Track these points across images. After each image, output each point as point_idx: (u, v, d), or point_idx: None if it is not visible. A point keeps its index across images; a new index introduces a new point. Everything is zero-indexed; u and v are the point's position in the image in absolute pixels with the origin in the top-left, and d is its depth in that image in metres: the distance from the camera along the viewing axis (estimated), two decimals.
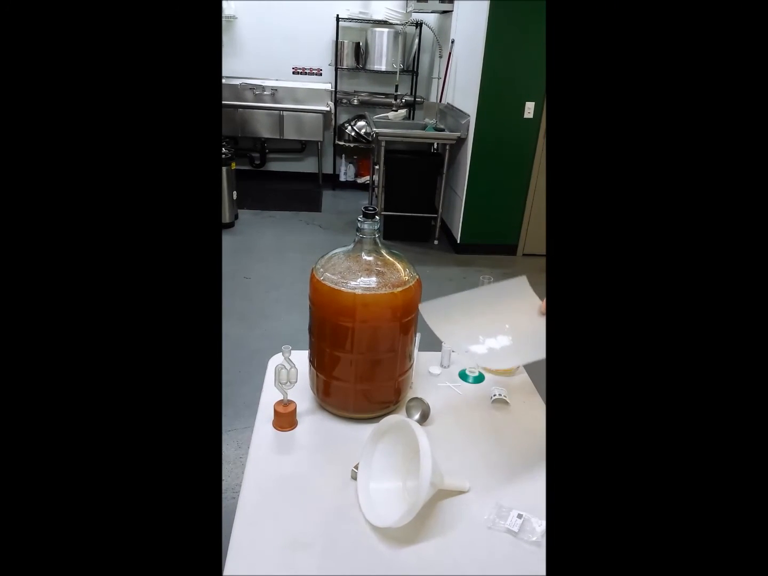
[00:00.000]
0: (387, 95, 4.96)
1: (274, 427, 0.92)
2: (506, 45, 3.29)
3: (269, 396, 0.97)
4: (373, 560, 0.70)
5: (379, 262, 0.89)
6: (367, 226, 0.86)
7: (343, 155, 5.22)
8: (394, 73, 4.53)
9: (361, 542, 0.72)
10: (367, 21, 4.65)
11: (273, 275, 3.31)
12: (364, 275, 0.86)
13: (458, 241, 3.84)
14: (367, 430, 0.83)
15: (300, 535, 0.72)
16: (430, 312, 0.86)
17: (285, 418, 0.91)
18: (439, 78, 4.36)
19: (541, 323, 0.89)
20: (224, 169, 3.83)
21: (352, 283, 0.85)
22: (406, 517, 0.69)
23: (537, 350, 0.83)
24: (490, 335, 0.86)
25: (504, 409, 1.02)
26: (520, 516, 0.75)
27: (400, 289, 0.86)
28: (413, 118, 4.95)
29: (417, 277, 0.90)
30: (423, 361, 1.13)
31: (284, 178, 5.27)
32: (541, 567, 0.69)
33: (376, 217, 0.87)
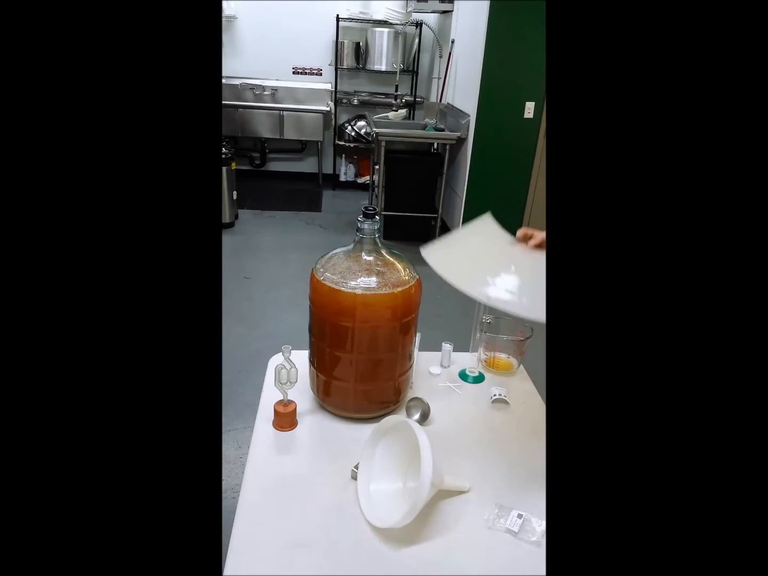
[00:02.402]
0: (387, 95, 4.96)
1: (274, 427, 0.92)
2: (506, 45, 3.28)
3: (269, 396, 0.97)
4: (373, 560, 0.70)
5: (379, 262, 0.89)
6: (367, 226, 0.86)
7: (343, 155, 5.22)
8: (394, 73, 4.53)
9: (361, 542, 0.72)
10: (367, 21, 4.65)
11: (273, 275, 3.30)
12: (364, 275, 0.86)
13: None
14: (367, 430, 0.83)
15: (300, 535, 0.72)
16: (434, 255, 0.81)
17: (285, 418, 0.91)
18: (439, 78, 4.36)
19: (526, 255, 0.84)
20: (224, 169, 3.83)
21: (352, 283, 0.85)
22: (406, 517, 0.69)
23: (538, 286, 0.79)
24: (496, 274, 0.79)
25: (504, 409, 1.02)
26: (520, 516, 0.75)
27: (400, 289, 0.86)
28: (413, 118, 4.95)
29: (417, 277, 0.90)
30: (423, 361, 1.13)
31: (284, 178, 5.27)
32: (541, 567, 0.69)
33: (376, 217, 0.87)
